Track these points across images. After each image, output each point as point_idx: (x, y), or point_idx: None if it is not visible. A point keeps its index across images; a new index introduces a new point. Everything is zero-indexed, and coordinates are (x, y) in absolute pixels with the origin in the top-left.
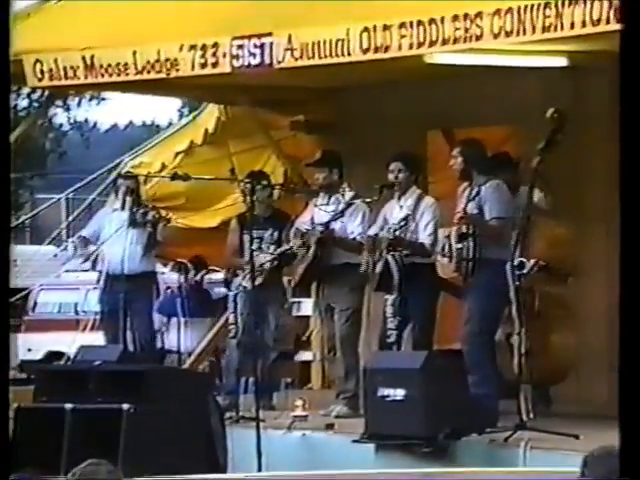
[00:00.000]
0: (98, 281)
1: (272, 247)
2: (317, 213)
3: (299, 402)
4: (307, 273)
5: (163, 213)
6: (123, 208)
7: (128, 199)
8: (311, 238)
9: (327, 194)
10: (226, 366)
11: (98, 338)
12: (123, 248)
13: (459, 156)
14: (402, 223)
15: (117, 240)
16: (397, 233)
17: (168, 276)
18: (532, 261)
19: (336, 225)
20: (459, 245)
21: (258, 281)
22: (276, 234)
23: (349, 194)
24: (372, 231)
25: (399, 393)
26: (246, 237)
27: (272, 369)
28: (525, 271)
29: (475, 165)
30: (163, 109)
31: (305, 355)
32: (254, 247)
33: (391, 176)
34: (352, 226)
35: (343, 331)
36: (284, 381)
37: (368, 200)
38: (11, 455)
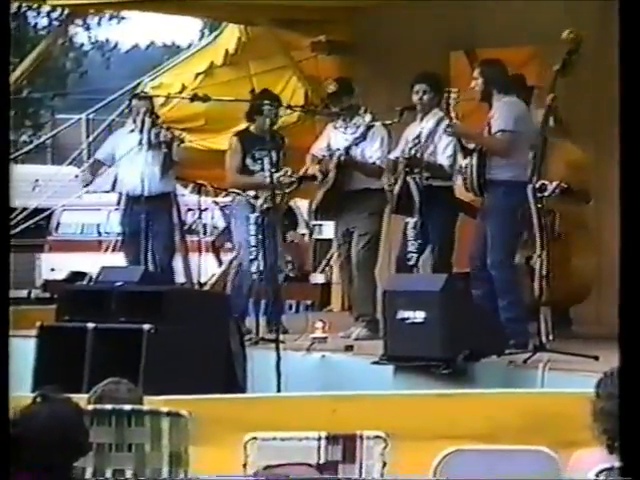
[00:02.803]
0: (118, 203)
1: (288, 169)
2: (334, 137)
3: (319, 324)
4: (326, 198)
5: (177, 133)
6: (139, 129)
7: (144, 119)
8: (330, 163)
9: (346, 118)
10: (238, 289)
11: (120, 259)
12: (140, 170)
13: (480, 77)
14: (420, 143)
15: (134, 161)
16: (415, 153)
17: (189, 198)
18: (554, 183)
19: (355, 150)
20: (465, 162)
21: (278, 202)
22: (276, 156)
23: (368, 117)
24: (394, 154)
25: (419, 315)
26: (249, 157)
27: (282, 291)
28: (547, 194)
29: (495, 85)
30: (184, 29)
31: (320, 277)
32: (255, 168)
33: (415, 97)
34: (371, 150)
35: (360, 255)
36: (304, 303)
37: (387, 122)
38: (34, 373)
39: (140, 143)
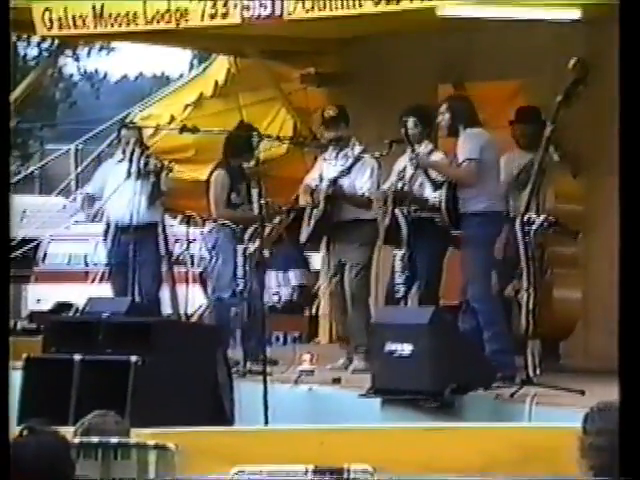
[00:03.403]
0: (106, 233)
1: (275, 201)
2: (326, 168)
3: (306, 356)
4: (317, 229)
5: (165, 162)
6: (127, 159)
7: (133, 149)
8: (320, 194)
9: (336, 149)
10: (223, 322)
11: (107, 290)
12: (128, 199)
13: (447, 112)
14: (405, 176)
15: (122, 191)
16: (404, 187)
17: (177, 229)
18: (542, 217)
19: (344, 181)
20: (434, 195)
21: (266, 235)
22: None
23: (358, 148)
24: (385, 186)
25: (406, 348)
26: (234, 191)
27: (269, 323)
28: (535, 227)
29: (462, 120)
30: (173, 60)
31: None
32: (237, 201)
33: (403, 130)
34: (360, 182)
35: (354, 286)
36: (291, 335)
37: (377, 154)
38: (20, 406)
39: (129, 173)
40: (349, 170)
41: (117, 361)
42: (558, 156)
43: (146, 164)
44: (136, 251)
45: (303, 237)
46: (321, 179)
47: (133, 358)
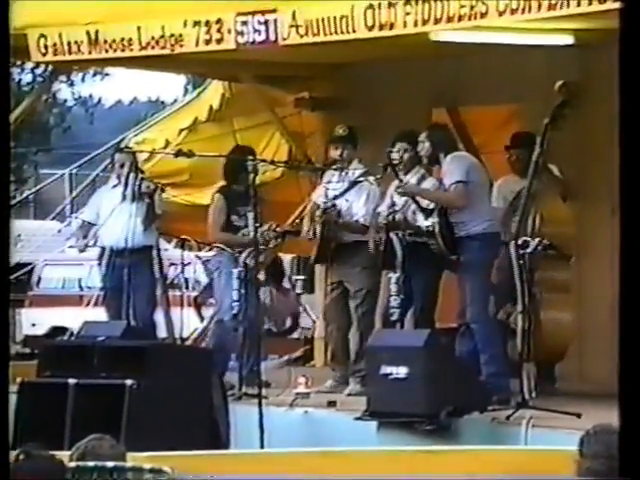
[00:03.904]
0: (100, 257)
1: (272, 224)
2: (324, 192)
3: (301, 379)
4: (320, 251)
5: (158, 184)
6: (122, 184)
7: (128, 174)
8: (316, 218)
9: (336, 171)
10: (221, 345)
11: (102, 314)
12: (123, 222)
13: (426, 141)
14: (397, 203)
15: (117, 215)
16: (396, 215)
17: (172, 252)
18: (536, 240)
19: (341, 204)
20: (426, 223)
21: (262, 259)
22: (255, 212)
23: (357, 172)
24: (379, 210)
25: (401, 371)
26: (233, 213)
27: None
28: (529, 250)
29: (443, 149)
30: (168, 85)
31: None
32: (240, 224)
33: (396, 155)
34: (356, 206)
35: (358, 312)
36: (286, 358)
37: (372, 179)
38: (14, 430)
39: (123, 196)
40: (346, 192)
41: (112, 385)
42: (547, 180)
43: (140, 186)
44: (131, 274)
45: (312, 259)
46: (317, 203)
47: (128, 382)
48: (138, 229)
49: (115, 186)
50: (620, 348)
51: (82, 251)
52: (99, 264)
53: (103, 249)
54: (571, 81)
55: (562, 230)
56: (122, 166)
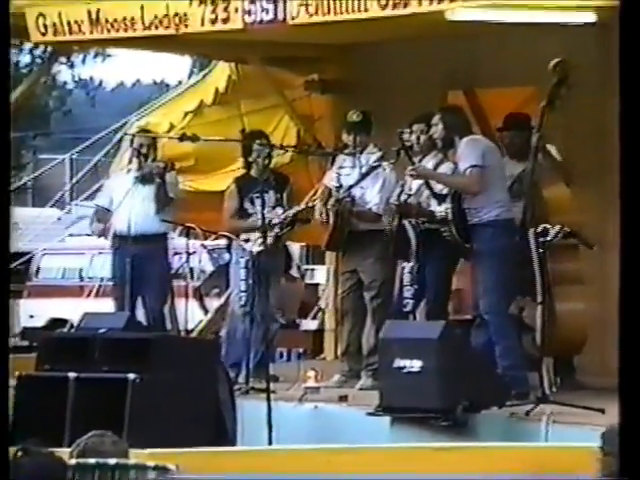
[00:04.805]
0: (113, 244)
1: (278, 209)
2: (336, 177)
3: (311, 373)
4: (332, 239)
5: (167, 163)
6: (134, 168)
7: (140, 158)
8: (329, 206)
9: (348, 156)
10: (232, 336)
11: (103, 305)
12: (135, 207)
13: (439, 123)
14: (412, 188)
15: (129, 200)
16: (409, 200)
17: (176, 241)
18: (557, 227)
19: (355, 191)
20: (440, 209)
21: (269, 245)
22: (278, 196)
23: (374, 156)
24: (391, 199)
25: (415, 364)
26: (247, 200)
27: (274, 340)
28: (549, 238)
29: (457, 131)
30: (172, 67)
31: (312, 324)
32: (257, 211)
33: (413, 137)
34: (370, 194)
35: (373, 304)
36: (295, 351)
37: (392, 161)
38: (13, 426)
39: (135, 179)
40: (362, 180)
41: (114, 379)
42: (547, 163)
43: (150, 170)
44: (142, 264)
45: (323, 245)
46: (337, 187)
47: (131, 376)
48: (150, 213)
49: (127, 171)
50: (620, 349)
51: (101, 235)
52: (100, 253)
53: (114, 236)
54: (566, 59)
55: (570, 218)
56: (134, 151)
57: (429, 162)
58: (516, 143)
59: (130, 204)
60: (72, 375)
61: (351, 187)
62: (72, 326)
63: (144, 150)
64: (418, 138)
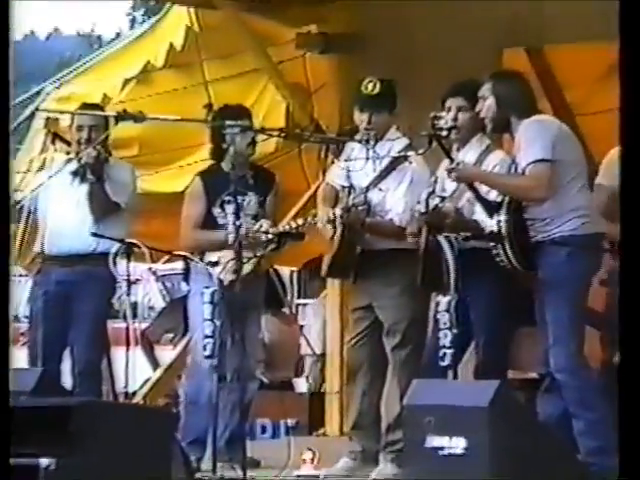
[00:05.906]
0: (30, 268)
1: (263, 222)
2: (342, 176)
3: (307, 455)
4: (337, 262)
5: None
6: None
7: (53, 144)
8: (336, 215)
9: (360, 143)
10: (192, 401)
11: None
12: (64, 216)
13: (490, 96)
14: (447, 190)
15: (53, 205)
16: (445, 206)
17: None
18: None
19: (372, 195)
20: (491, 222)
21: (246, 272)
22: (260, 200)
23: (399, 144)
24: (421, 201)
25: (457, 443)
26: (216, 205)
27: (252, 406)
28: None
29: (515, 109)
30: (106, 13)
31: (307, 385)
32: (229, 221)
33: (448, 117)
34: (392, 199)
35: (397, 357)
36: (285, 423)
37: (420, 152)
38: None
39: (60, 178)
40: (381, 178)
41: (20, 466)
42: None
43: (79, 160)
44: (71, 295)
45: (324, 270)
46: (346, 188)
47: (43, 462)
48: (85, 225)
49: (45, 162)
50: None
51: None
52: (29, 278)
53: (35, 256)
54: None
55: None
56: (47, 138)
57: (471, 152)
58: None
59: (60, 213)
60: None
61: (367, 189)
62: None
63: (84, 134)
64: (455, 117)
